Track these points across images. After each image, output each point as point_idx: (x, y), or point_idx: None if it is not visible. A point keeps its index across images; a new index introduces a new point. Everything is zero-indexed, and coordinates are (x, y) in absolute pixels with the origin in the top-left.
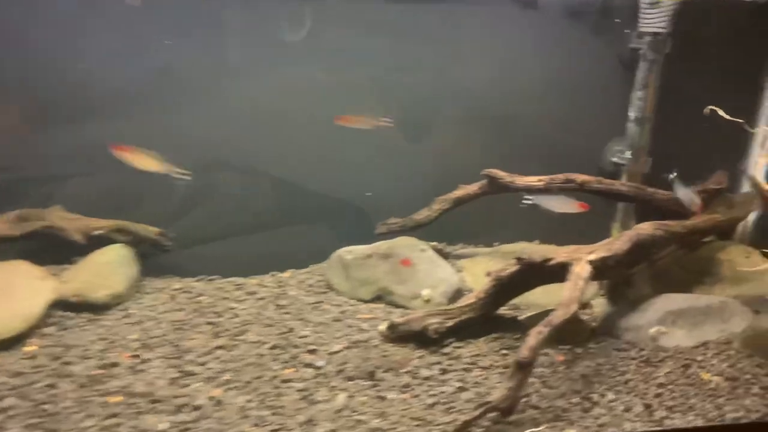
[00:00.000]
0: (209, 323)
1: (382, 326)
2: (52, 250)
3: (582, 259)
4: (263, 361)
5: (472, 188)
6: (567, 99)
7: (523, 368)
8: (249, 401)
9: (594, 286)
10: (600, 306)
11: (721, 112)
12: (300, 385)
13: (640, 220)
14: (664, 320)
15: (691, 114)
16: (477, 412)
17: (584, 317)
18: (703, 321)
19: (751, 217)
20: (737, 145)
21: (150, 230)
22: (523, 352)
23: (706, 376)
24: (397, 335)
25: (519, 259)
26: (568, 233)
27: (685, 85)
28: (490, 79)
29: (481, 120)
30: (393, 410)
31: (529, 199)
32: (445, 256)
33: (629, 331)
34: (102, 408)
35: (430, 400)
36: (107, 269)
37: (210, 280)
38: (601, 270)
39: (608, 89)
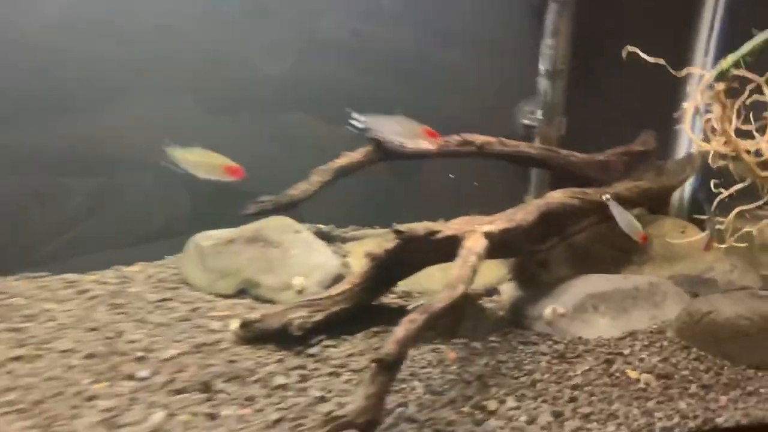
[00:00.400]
0: (12, 329)
1: (234, 324)
2: None
3: (476, 231)
4: (69, 375)
5: (357, 156)
6: (469, 53)
7: (388, 369)
8: (28, 428)
9: (501, 268)
10: (508, 291)
11: (643, 56)
12: (107, 404)
13: (557, 186)
14: (583, 306)
15: (611, 64)
16: (324, 431)
17: (489, 305)
18: (631, 306)
19: (687, 186)
20: (667, 101)
21: None
22: (388, 346)
23: (633, 374)
24: (254, 335)
25: (398, 233)
26: (480, 208)
27: (603, 29)
28: (375, 30)
29: (367, 77)
30: (222, 431)
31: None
32: (330, 239)
33: (541, 320)
34: None
35: (275, 416)
36: None
37: (35, 277)
38: (500, 245)
39: (516, 40)
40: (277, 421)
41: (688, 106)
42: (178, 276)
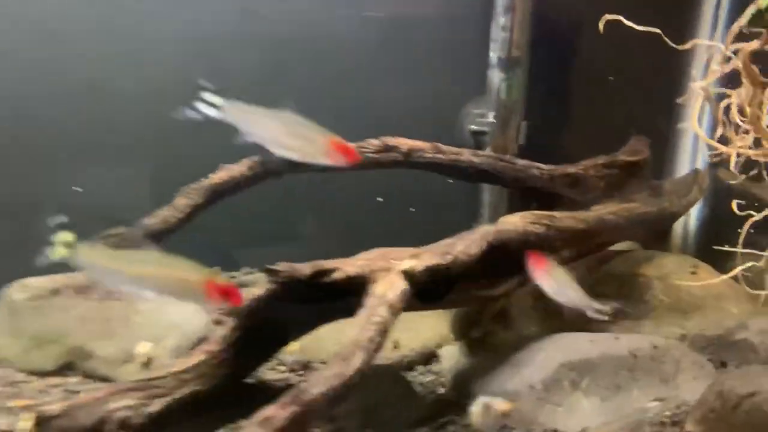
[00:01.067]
0: None
1: (25, 422)
2: None
3: (391, 270)
4: None
5: (240, 168)
6: (400, 37)
7: None
8: None
9: (443, 324)
10: (451, 358)
11: (630, 24)
12: None
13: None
14: (557, 380)
15: (587, 49)
16: None
17: (425, 379)
18: (628, 382)
19: (694, 212)
20: (666, 94)
21: None
22: None
23: None
24: None
25: (271, 273)
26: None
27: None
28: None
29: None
30: None
31: None
32: None
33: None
34: None
35: None
36: None
37: None
38: (429, 289)
39: (460, 20)
40: None
41: (697, 87)
42: None
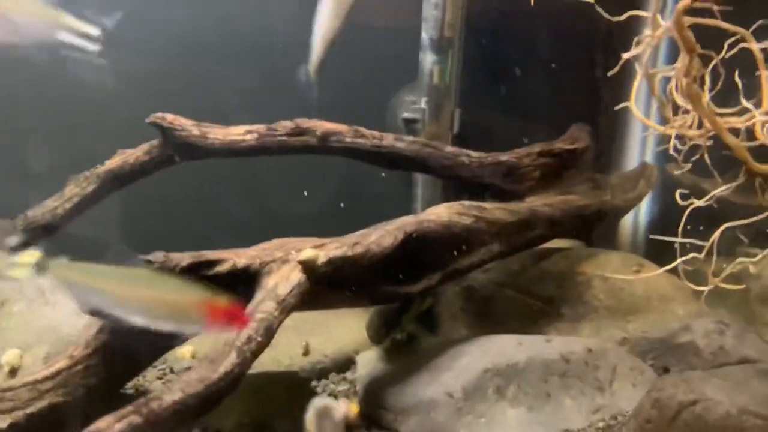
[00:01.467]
0: None
1: None
2: None
3: (288, 261)
4: None
5: (137, 153)
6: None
7: None
8: None
9: (360, 327)
10: (367, 364)
11: None
12: None
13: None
14: (481, 387)
15: (527, 28)
16: None
17: (338, 387)
18: (559, 389)
19: (644, 209)
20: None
21: None
22: None
23: None
24: None
25: (146, 263)
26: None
27: None
28: None
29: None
30: None
31: None
32: None
33: (414, 412)
34: None
35: None
36: None
37: None
38: (335, 283)
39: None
40: None
41: (626, 57)
42: None
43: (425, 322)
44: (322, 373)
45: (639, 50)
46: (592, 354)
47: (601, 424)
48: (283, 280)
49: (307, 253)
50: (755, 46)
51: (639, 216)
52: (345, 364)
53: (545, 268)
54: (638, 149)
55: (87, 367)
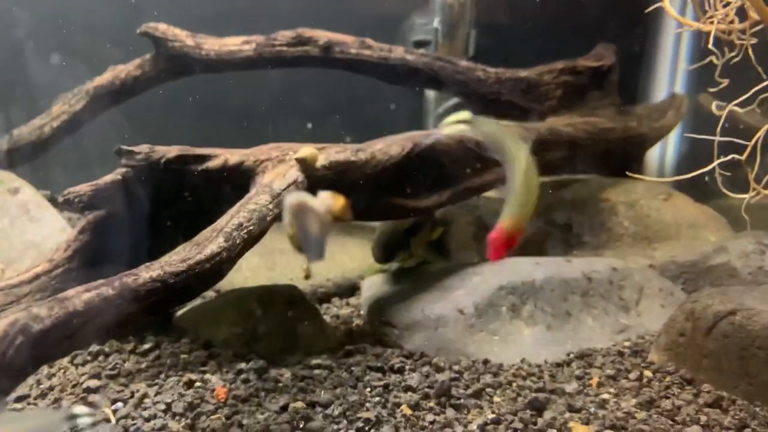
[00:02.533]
0: None
1: None
2: None
3: (284, 160)
4: None
5: (128, 68)
6: None
7: None
8: None
9: (365, 253)
10: (371, 287)
11: None
12: None
13: None
14: (493, 305)
15: None
16: None
17: (341, 311)
18: (580, 308)
19: (672, 142)
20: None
21: None
22: None
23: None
24: None
25: (127, 153)
26: None
27: None
28: None
29: None
30: None
31: None
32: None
33: (422, 328)
34: None
35: None
36: None
37: None
38: (336, 189)
39: None
40: None
41: None
42: None
43: (436, 250)
44: (324, 297)
45: None
46: (617, 273)
47: (627, 344)
48: (279, 177)
49: (306, 151)
50: None
51: (666, 149)
52: (348, 289)
53: (564, 196)
54: (668, 81)
55: (67, 270)
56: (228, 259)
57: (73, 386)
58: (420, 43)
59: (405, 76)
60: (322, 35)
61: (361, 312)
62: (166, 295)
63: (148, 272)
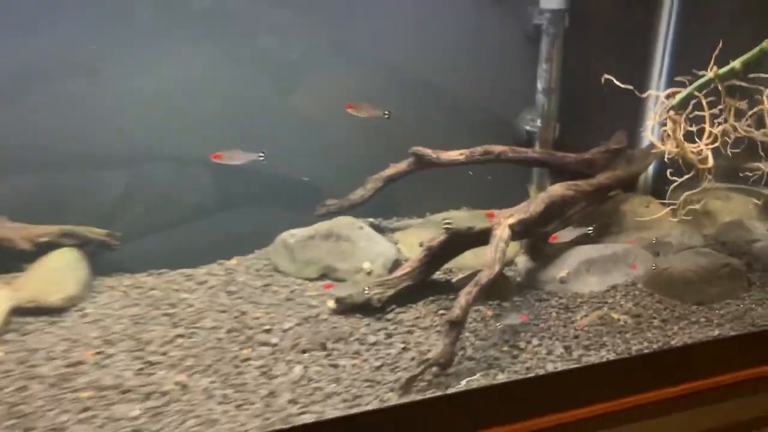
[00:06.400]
0: (165, 314)
1: (330, 302)
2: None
3: (502, 223)
4: (222, 345)
5: (401, 166)
6: (481, 74)
7: (456, 326)
8: (212, 382)
9: (515, 245)
10: (522, 263)
11: (615, 81)
12: (258, 363)
13: (554, 179)
14: (578, 270)
15: (591, 83)
16: (419, 369)
17: (509, 274)
18: (612, 267)
19: (650, 169)
20: (635, 108)
21: (96, 232)
22: (455, 311)
23: (615, 315)
24: (345, 308)
25: (447, 230)
26: (492, 197)
27: (584, 56)
28: (405, 60)
29: (400, 100)
30: (345, 375)
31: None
32: (382, 230)
33: (549, 282)
34: (74, 403)
35: (378, 363)
36: (58, 274)
37: (159, 273)
38: (519, 231)
39: (517, 63)
40: (379, 367)
41: (650, 122)
42: (270, 266)
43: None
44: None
45: (651, 122)
46: (626, 251)
47: (630, 281)
48: (504, 231)
49: (511, 219)
50: None
51: (648, 173)
52: (510, 262)
53: (603, 209)
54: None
55: (419, 270)
56: (499, 274)
57: None
58: (529, 132)
59: (533, 163)
60: (496, 148)
61: (519, 274)
62: (485, 290)
63: (485, 278)
